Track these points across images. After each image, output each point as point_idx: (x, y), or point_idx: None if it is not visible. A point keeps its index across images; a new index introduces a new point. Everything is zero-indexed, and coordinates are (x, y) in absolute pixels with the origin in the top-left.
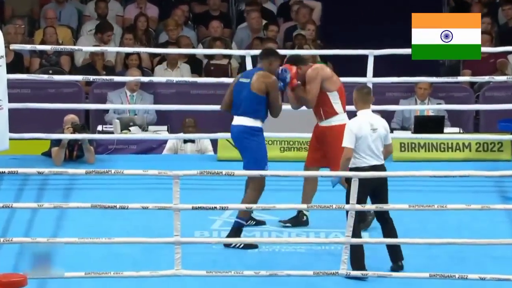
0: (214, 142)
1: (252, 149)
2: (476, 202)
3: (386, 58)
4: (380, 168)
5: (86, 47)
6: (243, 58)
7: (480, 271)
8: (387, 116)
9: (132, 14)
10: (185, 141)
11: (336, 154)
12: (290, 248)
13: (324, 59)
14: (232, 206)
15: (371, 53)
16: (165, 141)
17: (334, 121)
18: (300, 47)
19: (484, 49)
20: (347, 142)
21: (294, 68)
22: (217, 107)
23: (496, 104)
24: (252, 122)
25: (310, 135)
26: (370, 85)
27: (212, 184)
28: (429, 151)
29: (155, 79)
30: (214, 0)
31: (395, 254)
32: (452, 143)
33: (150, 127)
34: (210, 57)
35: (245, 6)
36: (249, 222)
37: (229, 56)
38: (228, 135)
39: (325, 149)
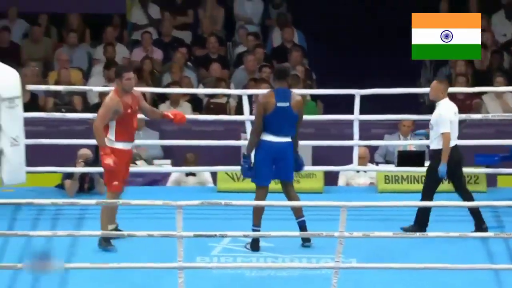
0: (214, 175)
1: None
2: (454, 230)
3: (372, 95)
4: (456, 148)
5: (95, 87)
6: (240, 97)
7: None
8: (372, 150)
9: (138, 57)
10: (187, 174)
11: None
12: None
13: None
14: (230, 234)
15: (358, 93)
16: (169, 174)
17: None
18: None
19: (463, 90)
20: (447, 127)
21: None
22: (217, 142)
23: (472, 140)
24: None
25: None
26: (357, 123)
27: (212, 213)
28: (411, 183)
29: None
30: (214, 44)
31: (478, 222)
32: None
33: (155, 161)
34: (210, 96)
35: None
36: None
37: (228, 95)
38: (227, 168)
39: None
